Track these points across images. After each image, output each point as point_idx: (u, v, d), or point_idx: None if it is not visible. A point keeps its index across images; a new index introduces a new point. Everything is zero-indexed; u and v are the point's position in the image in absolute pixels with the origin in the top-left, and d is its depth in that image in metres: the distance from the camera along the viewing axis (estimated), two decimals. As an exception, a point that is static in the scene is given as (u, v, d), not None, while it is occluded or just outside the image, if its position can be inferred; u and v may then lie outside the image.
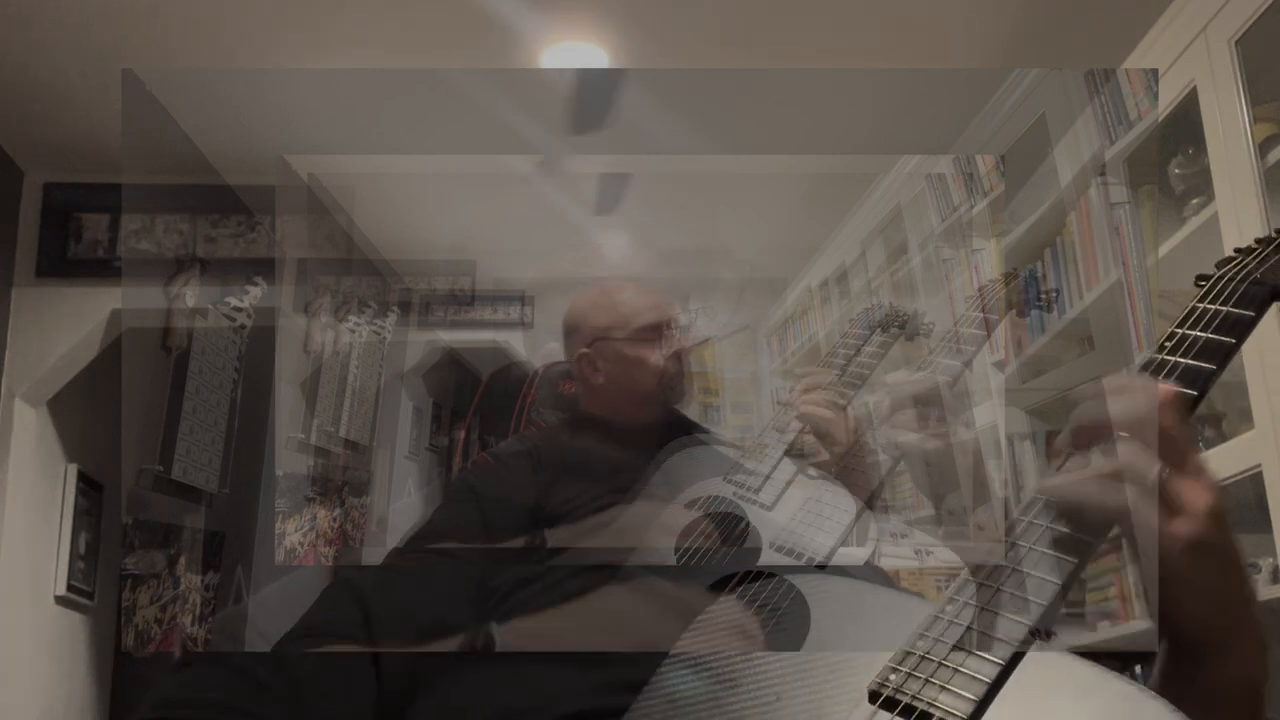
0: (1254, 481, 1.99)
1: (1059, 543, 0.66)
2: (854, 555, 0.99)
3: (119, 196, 3.55)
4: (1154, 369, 0.73)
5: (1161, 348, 0.74)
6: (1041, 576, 0.64)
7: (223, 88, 3.14)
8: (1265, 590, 2.05)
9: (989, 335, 1.19)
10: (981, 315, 1.20)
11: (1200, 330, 0.74)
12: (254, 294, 3.72)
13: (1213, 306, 0.76)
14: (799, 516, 1.00)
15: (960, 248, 3.11)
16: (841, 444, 1.15)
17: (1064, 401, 2.86)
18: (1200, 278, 0.79)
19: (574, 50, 2.99)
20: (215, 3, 2.78)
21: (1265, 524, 1.93)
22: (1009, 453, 2.87)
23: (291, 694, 0.83)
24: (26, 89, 3.11)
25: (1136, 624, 2.40)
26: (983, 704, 0.58)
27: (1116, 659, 0.63)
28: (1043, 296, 2.68)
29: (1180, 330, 0.75)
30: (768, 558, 0.93)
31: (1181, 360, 0.73)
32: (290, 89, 3.17)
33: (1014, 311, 1.30)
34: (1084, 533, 0.66)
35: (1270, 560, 2.05)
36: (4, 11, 2.77)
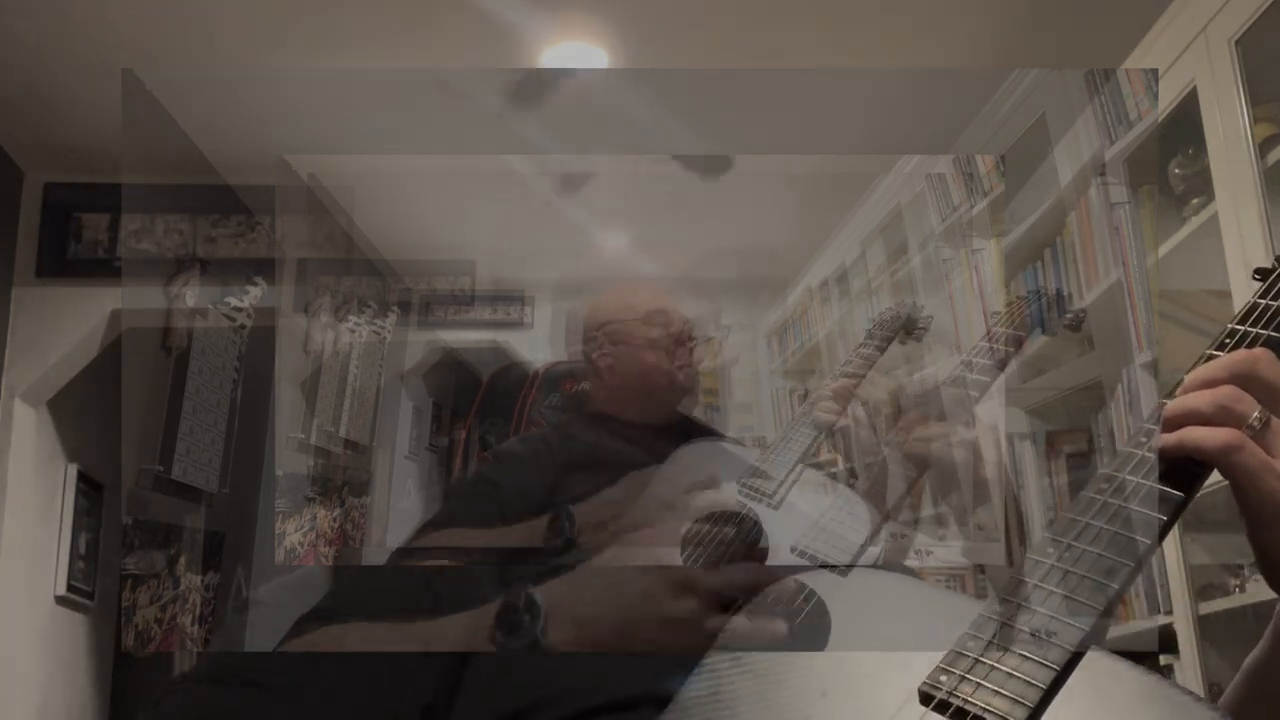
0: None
1: (1133, 517, 0.65)
2: (866, 554, 0.99)
3: (119, 196, 3.55)
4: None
5: (1223, 345, 0.72)
6: (1114, 558, 0.63)
7: (223, 88, 3.14)
8: (1264, 591, 2.05)
9: (1017, 351, 1.20)
10: (1011, 332, 1.20)
11: (1262, 328, 0.73)
12: (254, 294, 3.72)
13: (1276, 303, 0.74)
14: (819, 520, 1.00)
15: (960, 248, 3.11)
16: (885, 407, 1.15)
17: (1065, 402, 2.86)
18: (1259, 271, 0.78)
19: (574, 50, 2.99)
20: (215, 3, 2.78)
21: (1265, 524, 1.93)
22: (1009, 453, 2.87)
23: (356, 664, 0.83)
24: (26, 89, 3.11)
25: (1137, 624, 2.40)
26: (1038, 709, 0.56)
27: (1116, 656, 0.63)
28: (1069, 316, 2.67)
29: (1241, 327, 0.74)
30: (787, 561, 0.93)
31: None
32: (290, 89, 3.17)
33: (1038, 330, 1.31)
34: (1178, 481, 0.65)
35: (1270, 560, 2.05)
36: (3, 12, 2.77)
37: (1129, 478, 0.67)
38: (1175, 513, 0.65)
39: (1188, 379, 0.70)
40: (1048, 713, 0.57)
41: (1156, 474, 0.67)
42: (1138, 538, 0.64)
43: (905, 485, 1.08)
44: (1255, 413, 0.65)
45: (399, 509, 4.40)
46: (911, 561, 1.15)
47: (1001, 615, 0.62)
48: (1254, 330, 0.73)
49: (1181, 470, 0.66)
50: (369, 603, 0.94)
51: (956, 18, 2.85)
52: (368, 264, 4.24)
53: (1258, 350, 0.70)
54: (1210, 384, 0.67)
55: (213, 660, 0.87)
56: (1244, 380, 0.67)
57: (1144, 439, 0.69)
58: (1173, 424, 0.67)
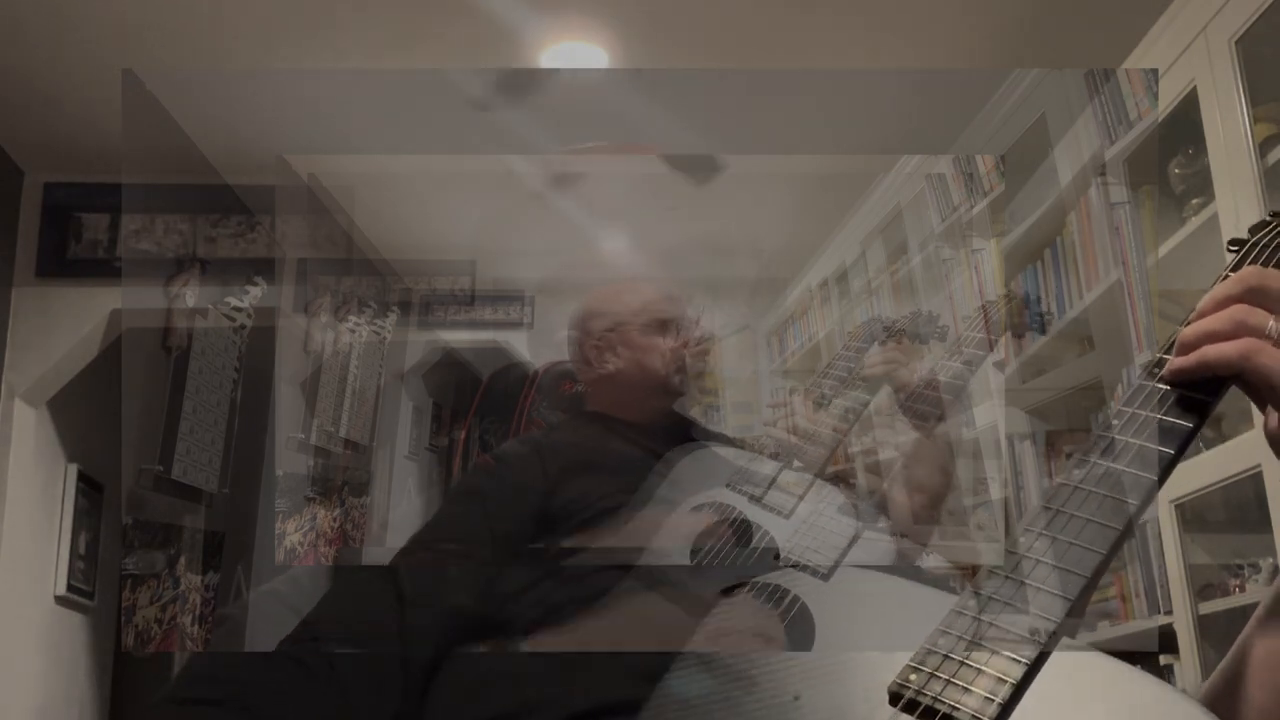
0: (1254, 481, 1.99)
1: (1143, 450, 0.64)
2: (875, 542, 0.99)
3: (119, 196, 3.54)
4: None
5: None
6: (1100, 521, 0.62)
7: (222, 88, 3.14)
8: (1264, 592, 2.05)
9: (989, 352, 1.20)
10: (984, 336, 1.21)
11: None
12: (254, 294, 3.72)
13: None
14: (801, 527, 1.00)
15: (960, 248, 3.11)
16: (910, 384, 1.15)
17: (1065, 402, 2.86)
18: (1233, 242, 0.78)
19: (574, 50, 2.99)
20: (215, 3, 2.78)
21: (1265, 524, 1.93)
22: (1009, 453, 2.87)
23: (329, 675, 0.83)
24: (26, 89, 3.11)
25: (1137, 624, 2.40)
26: (1009, 705, 0.55)
27: (1117, 659, 0.62)
28: (1036, 318, 2.70)
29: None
30: (773, 566, 0.93)
31: None
32: (290, 89, 3.17)
33: (1009, 333, 1.31)
34: (1197, 398, 0.65)
35: (1270, 560, 2.05)
36: (3, 12, 2.77)
37: (1139, 411, 0.67)
38: (1183, 445, 0.65)
39: (1199, 306, 0.70)
40: (1020, 706, 0.56)
41: (1165, 407, 0.67)
42: (1143, 474, 0.64)
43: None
44: (1271, 322, 0.65)
45: (399, 509, 4.41)
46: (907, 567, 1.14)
47: (973, 609, 0.61)
48: None
49: (1189, 402, 0.67)
50: (358, 614, 0.94)
51: (956, 18, 2.84)
52: (368, 264, 4.24)
53: (1262, 269, 0.70)
54: (1221, 305, 0.67)
55: (191, 678, 0.87)
56: (1255, 295, 0.67)
57: (1155, 369, 0.69)
58: (1189, 347, 0.67)
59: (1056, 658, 0.58)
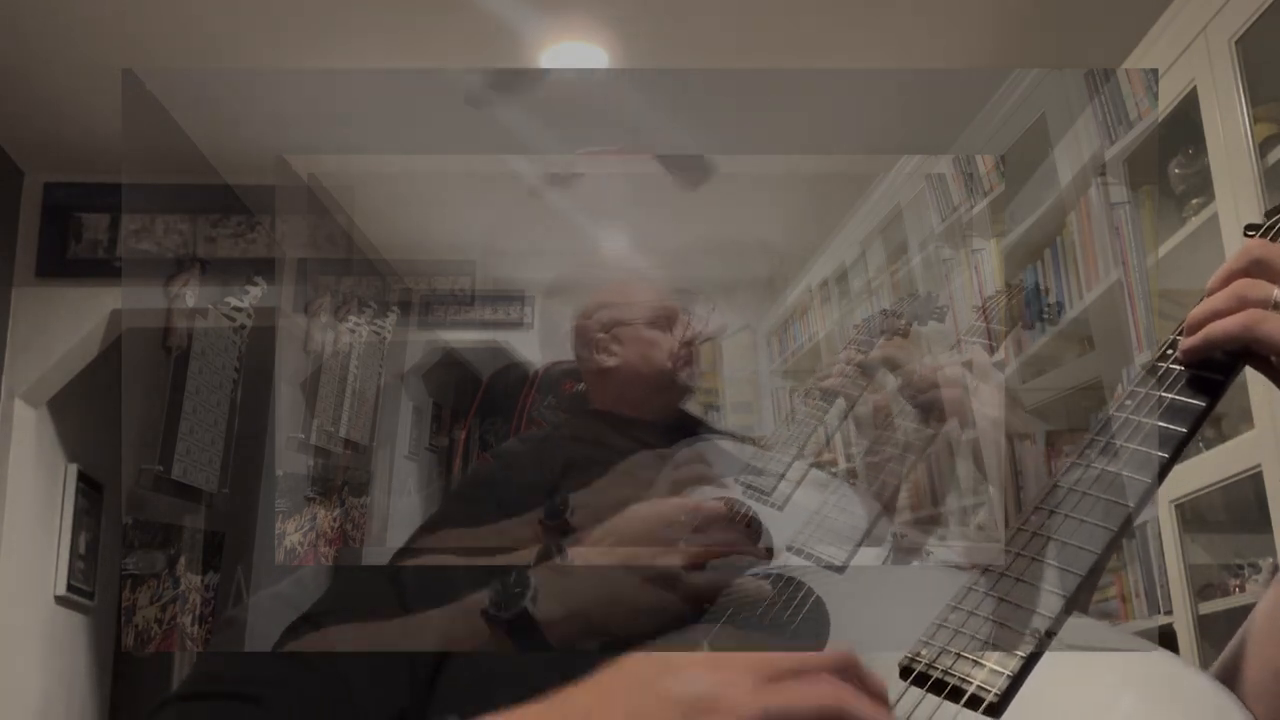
0: (1254, 481, 1.99)
1: (1153, 430, 0.65)
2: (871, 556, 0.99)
3: (119, 196, 3.55)
4: None
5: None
6: (1110, 499, 0.62)
7: (223, 88, 3.14)
8: (1265, 593, 2.05)
9: (995, 348, 1.19)
10: (985, 325, 1.20)
11: None
12: (254, 294, 3.72)
13: None
14: (814, 519, 1.00)
15: (960, 248, 3.11)
16: (914, 370, 1.15)
17: (1065, 402, 2.86)
18: (1250, 227, 0.79)
19: (574, 50, 3.00)
20: (215, 3, 2.78)
21: (1265, 524, 1.94)
22: (1009, 453, 2.87)
23: (334, 669, 0.84)
24: (26, 89, 3.11)
25: (1137, 624, 2.40)
26: (1018, 678, 0.56)
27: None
28: (1046, 310, 2.70)
29: None
30: (783, 560, 0.93)
31: None
32: (289, 89, 3.17)
33: (1018, 325, 1.30)
34: (1209, 377, 0.65)
35: (1270, 560, 2.05)
36: (2, 12, 2.77)
37: (1149, 395, 0.67)
38: (1196, 424, 0.65)
39: (1207, 285, 0.70)
40: (1030, 679, 0.56)
41: (1177, 388, 0.67)
42: (1154, 453, 0.64)
43: (921, 445, 1.08)
44: (1275, 292, 0.65)
45: (399, 509, 4.40)
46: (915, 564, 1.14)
47: (985, 585, 0.62)
48: None
49: (1201, 382, 0.67)
50: (360, 607, 0.94)
51: (956, 18, 2.85)
52: (368, 264, 4.24)
53: (1265, 241, 0.70)
54: (1227, 280, 0.68)
55: (197, 676, 0.87)
56: (1259, 267, 0.67)
57: (1169, 351, 0.69)
58: (1196, 327, 0.67)
59: (1067, 630, 0.58)
